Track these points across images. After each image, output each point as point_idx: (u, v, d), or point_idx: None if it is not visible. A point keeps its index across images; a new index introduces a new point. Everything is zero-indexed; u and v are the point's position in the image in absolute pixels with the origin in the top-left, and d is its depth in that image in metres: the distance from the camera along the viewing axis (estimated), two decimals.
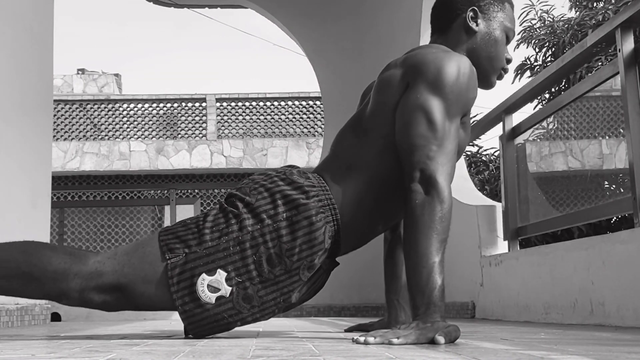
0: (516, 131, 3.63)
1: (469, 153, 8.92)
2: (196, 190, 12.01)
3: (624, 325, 2.24)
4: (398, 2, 4.82)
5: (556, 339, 1.63)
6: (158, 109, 12.04)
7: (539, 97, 7.87)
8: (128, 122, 11.93)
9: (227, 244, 1.62)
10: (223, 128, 11.95)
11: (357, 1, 5.18)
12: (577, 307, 2.56)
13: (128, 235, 11.94)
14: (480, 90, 1.76)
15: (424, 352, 1.20)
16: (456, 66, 1.63)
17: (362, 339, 1.41)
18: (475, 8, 1.82)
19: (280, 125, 12.07)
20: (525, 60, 8.70)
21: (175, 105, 12.07)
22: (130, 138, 11.78)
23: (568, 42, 8.01)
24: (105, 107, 12.01)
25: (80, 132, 11.83)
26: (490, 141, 30.55)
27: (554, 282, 2.78)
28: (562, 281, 2.71)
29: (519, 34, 8.68)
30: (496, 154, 8.49)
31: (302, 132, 12.03)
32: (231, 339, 1.62)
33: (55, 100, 11.32)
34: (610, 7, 7.95)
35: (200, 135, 11.84)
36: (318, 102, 12.00)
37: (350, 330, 2.13)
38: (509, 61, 1.87)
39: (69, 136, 11.75)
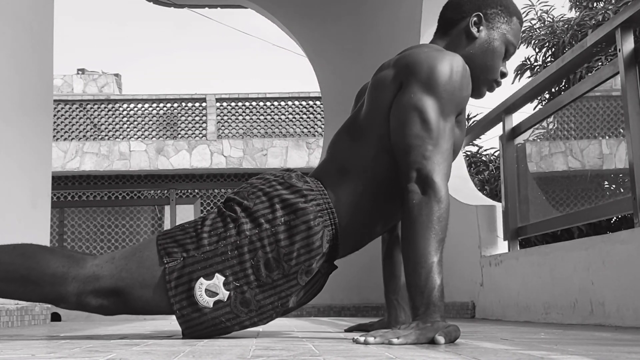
0: (516, 131, 3.63)
1: (468, 153, 8.92)
2: (196, 190, 12.01)
3: (624, 325, 2.24)
4: (398, 2, 4.82)
5: (556, 339, 1.63)
6: (158, 109, 12.05)
7: (539, 97, 7.87)
8: (128, 122, 11.93)
9: (225, 248, 1.61)
10: (223, 128, 11.95)
11: (357, 1, 5.18)
12: (577, 307, 2.56)
13: (128, 236, 11.95)
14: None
15: (424, 352, 1.20)
16: (449, 65, 1.63)
17: (362, 339, 1.41)
18: (481, 14, 1.80)
19: (280, 125, 12.07)
20: (525, 60, 8.71)
21: (175, 105, 12.07)
22: (130, 138, 11.78)
23: (568, 42, 8.01)
24: (105, 107, 12.01)
25: (80, 132, 11.83)
26: (490, 141, 30.56)
27: (554, 282, 2.78)
28: (562, 281, 2.71)
29: None
30: (496, 154, 8.50)
31: (302, 132, 12.03)
32: (231, 339, 1.61)
33: (55, 100, 11.32)
34: (610, 7, 7.95)
35: (200, 135, 11.84)
36: (318, 102, 12.00)
37: (350, 330, 2.13)
38: (503, 75, 1.85)
39: (69, 136, 11.75)
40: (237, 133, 11.93)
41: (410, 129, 1.59)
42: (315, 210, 1.64)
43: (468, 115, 8.39)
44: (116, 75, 14.40)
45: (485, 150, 9.08)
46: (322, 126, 10.07)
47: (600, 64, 7.18)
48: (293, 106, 12.22)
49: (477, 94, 1.84)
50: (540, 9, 8.78)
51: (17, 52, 3.26)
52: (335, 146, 1.79)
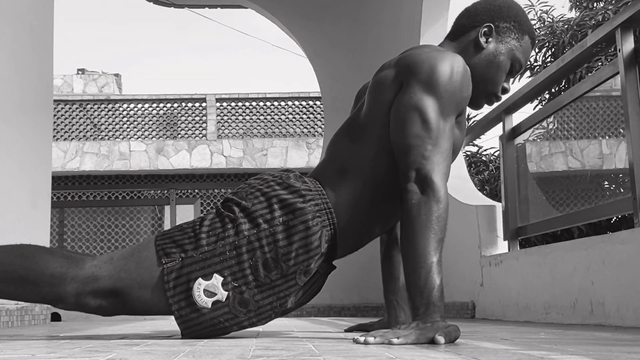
0: (516, 131, 3.63)
1: (468, 153, 8.92)
2: (196, 190, 12.01)
3: (624, 325, 2.24)
4: (398, 2, 4.82)
5: (556, 339, 1.63)
6: (158, 109, 12.05)
7: (539, 97, 7.87)
8: (128, 122, 11.93)
9: (224, 248, 1.61)
10: (223, 128, 11.95)
11: (358, 1, 5.19)
12: (577, 307, 2.56)
13: (128, 236, 11.95)
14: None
15: (424, 352, 1.20)
16: (449, 65, 1.62)
17: (362, 339, 1.41)
18: (492, 26, 1.78)
19: (280, 125, 12.07)
20: None
21: (175, 105, 12.07)
22: (130, 138, 11.78)
23: (568, 43, 8.01)
24: (105, 107, 12.01)
25: (80, 132, 11.83)
26: (490, 141, 30.55)
27: (554, 282, 2.78)
28: (562, 281, 2.71)
29: None
30: (496, 154, 8.50)
31: (302, 132, 12.03)
32: (231, 339, 1.61)
33: (55, 100, 11.32)
34: (610, 7, 7.95)
35: (200, 135, 11.84)
36: (318, 102, 12.00)
37: (350, 330, 2.13)
38: (504, 90, 1.83)
39: (69, 136, 11.75)
40: (237, 133, 11.93)
41: (410, 129, 1.59)
42: (314, 210, 1.64)
43: (468, 115, 8.39)
44: (116, 75, 14.40)
45: (485, 150, 9.09)
46: (322, 126, 10.07)
47: (600, 64, 7.18)
48: (293, 106, 12.23)
49: (475, 105, 1.83)
50: (540, 9, 8.78)
51: (17, 52, 3.26)
52: (335, 146, 1.79)
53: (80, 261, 1.65)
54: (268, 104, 12.18)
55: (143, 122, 11.94)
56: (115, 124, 11.89)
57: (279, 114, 12.15)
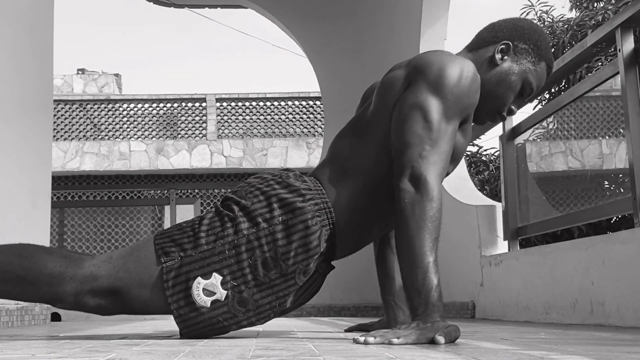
0: (516, 131, 3.63)
1: (468, 153, 8.92)
2: (196, 190, 12.01)
3: (624, 325, 2.24)
4: (398, 2, 4.82)
5: (556, 339, 1.63)
6: (158, 109, 12.05)
7: (539, 97, 7.87)
8: (128, 122, 11.93)
9: (223, 247, 1.61)
10: (223, 128, 11.95)
11: (357, 1, 5.19)
12: (577, 307, 2.56)
13: (128, 235, 11.95)
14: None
15: (424, 352, 1.20)
16: (459, 68, 1.62)
17: (362, 339, 1.41)
18: (510, 44, 1.76)
19: (280, 125, 12.07)
20: None
21: (175, 105, 12.07)
22: (130, 138, 11.78)
23: (568, 43, 8.01)
24: (105, 107, 12.01)
25: (80, 132, 11.83)
26: (490, 141, 30.56)
27: (554, 282, 2.78)
28: (562, 281, 2.71)
29: None
30: (496, 154, 8.50)
31: (302, 132, 12.03)
32: (231, 339, 1.61)
33: (55, 100, 11.32)
34: (610, 7, 7.95)
35: (200, 135, 11.84)
36: (318, 102, 12.00)
37: (350, 330, 2.13)
38: (510, 111, 1.81)
39: (69, 136, 11.75)
40: (237, 133, 11.93)
41: (410, 127, 1.59)
42: (313, 209, 1.64)
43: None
44: (116, 75, 14.40)
45: (485, 150, 9.08)
46: (322, 126, 10.07)
47: (600, 64, 7.17)
48: (293, 106, 12.23)
49: (479, 120, 1.82)
50: (540, 9, 8.78)
51: (17, 52, 3.26)
52: (337, 145, 1.79)
53: (78, 260, 1.65)
54: (268, 104, 12.18)
55: (143, 122, 11.94)
56: (115, 124, 11.89)
57: (279, 114, 12.15)
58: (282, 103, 12.22)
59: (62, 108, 11.88)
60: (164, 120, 12.01)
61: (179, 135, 11.88)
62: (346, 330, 2.14)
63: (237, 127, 11.98)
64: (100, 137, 11.82)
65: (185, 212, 11.85)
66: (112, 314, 1.71)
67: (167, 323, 3.00)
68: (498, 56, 1.76)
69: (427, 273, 1.46)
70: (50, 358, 1.14)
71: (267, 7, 5.53)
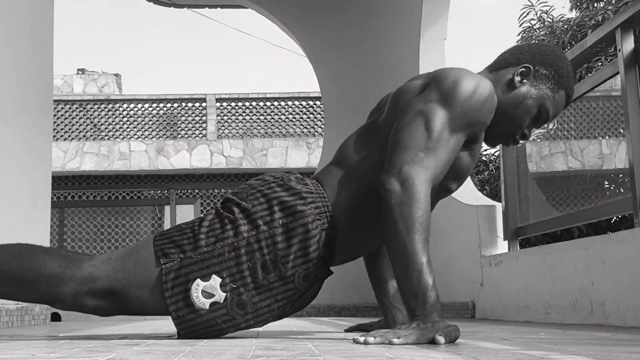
0: None
1: None
2: (196, 190, 12.01)
3: (624, 325, 2.24)
4: (398, 3, 4.82)
5: (556, 339, 1.63)
6: (158, 109, 12.05)
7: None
8: (128, 122, 11.93)
9: (223, 249, 1.61)
10: (223, 128, 11.95)
11: (357, 1, 5.18)
12: (577, 307, 2.56)
13: (128, 236, 11.95)
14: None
15: (424, 352, 1.20)
16: (474, 84, 1.61)
17: (362, 339, 1.41)
18: (531, 68, 1.74)
19: (280, 125, 12.07)
20: None
21: (175, 105, 12.07)
22: (130, 138, 11.78)
23: (568, 43, 8.01)
24: (105, 107, 12.01)
25: (80, 132, 11.83)
26: None
27: (554, 282, 2.78)
28: (562, 281, 2.71)
29: (518, 34, 8.68)
30: (496, 154, 8.49)
31: (302, 132, 12.03)
32: (231, 339, 1.61)
33: (55, 100, 11.32)
34: (610, 7, 7.94)
35: (200, 135, 11.84)
36: (318, 102, 12.00)
37: (350, 330, 2.13)
38: (524, 136, 1.79)
39: (69, 136, 11.75)
40: (237, 133, 11.93)
41: (410, 130, 1.58)
42: (314, 213, 1.63)
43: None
44: (116, 75, 14.40)
45: (486, 150, 9.08)
46: (322, 126, 10.07)
47: (600, 64, 7.18)
48: (293, 106, 12.23)
49: (492, 141, 1.81)
50: (540, 9, 8.77)
51: (17, 52, 3.26)
52: (344, 149, 1.78)
53: (77, 261, 1.65)
54: (268, 104, 12.18)
55: (143, 122, 11.94)
56: (115, 124, 11.89)
57: (279, 114, 12.15)
58: (282, 103, 12.22)
59: (62, 108, 11.88)
60: (164, 120, 12.01)
61: (179, 135, 11.88)
62: (346, 330, 2.14)
63: (237, 127, 11.98)
64: (100, 137, 11.82)
65: (185, 212, 11.85)
66: (111, 315, 1.71)
67: (167, 323, 3.00)
68: (517, 79, 1.74)
69: (421, 274, 1.45)
70: (50, 358, 1.14)
71: (267, 7, 5.53)
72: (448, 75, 1.65)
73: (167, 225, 11.93)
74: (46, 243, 3.48)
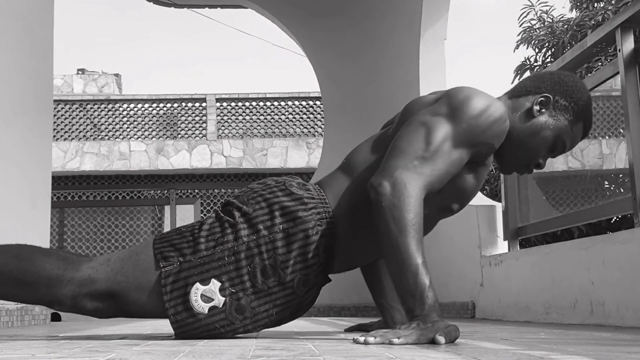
0: None
1: None
2: (196, 190, 12.01)
3: (624, 325, 2.24)
4: (398, 3, 4.82)
5: (556, 339, 1.63)
6: (158, 109, 12.05)
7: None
8: (128, 122, 11.93)
9: (222, 253, 1.61)
10: (223, 128, 11.95)
11: (357, 2, 5.19)
12: (577, 307, 2.56)
13: (128, 236, 11.95)
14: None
15: (424, 352, 1.20)
16: (485, 104, 1.61)
17: (362, 339, 1.41)
18: (550, 97, 1.72)
19: (280, 125, 12.07)
20: (525, 61, 8.70)
21: (175, 105, 12.07)
22: (130, 138, 11.79)
23: (567, 43, 8.01)
24: (105, 107, 12.01)
25: (80, 132, 11.83)
26: None
27: (554, 282, 2.78)
28: (562, 281, 2.71)
29: (518, 34, 8.68)
30: None
31: (302, 132, 12.03)
32: (231, 339, 1.61)
33: (55, 100, 11.32)
34: (610, 7, 7.94)
35: (200, 135, 11.84)
36: (318, 102, 12.00)
37: (350, 330, 2.13)
38: (538, 166, 1.76)
39: (69, 136, 11.75)
40: (237, 133, 11.93)
41: (410, 137, 1.58)
42: (315, 219, 1.63)
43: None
44: (116, 75, 14.40)
45: None
46: (322, 126, 10.06)
47: (600, 64, 7.17)
48: (293, 106, 12.23)
49: (506, 169, 1.80)
50: (540, 9, 8.77)
51: (17, 52, 3.26)
52: (351, 157, 1.78)
53: (76, 263, 1.64)
54: (268, 104, 12.19)
55: (143, 122, 11.94)
56: (115, 124, 11.89)
57: (279, 114, 12.15)
58: (282, 103, 12.22)
59: (62, 108, 11.88)
60: (164, 120, 12.01)
61: (179, 135, 11.89)
62: (346, 330, 2.14)
63: (237, 127, 11.98)
64: (100, 137, 11.82)
65: (185, 212, 11.85)
66: (109, 317, 1.71)
67: (167, 323, 3.00)
68: (536, 108, 1.72)
69: (417, 275, 1.45)
70: (50, 358, 1.14)
71: (267, 7, 5.53)
72: (461, 91, 1.64)
73: (167, 225, 11.94)
74: (46, 243, 3.48)
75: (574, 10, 8.94)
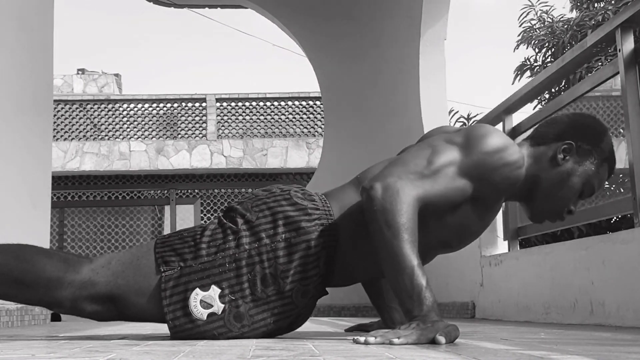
0: (516, 131, 3.63)
1: None
2: (196, 190, 12.01)
3: (624, 325, 2.24)
4: (398, 3, 4.82)
5: (556, 339, 1.63)
6: (158, 109, 12.05)
7: (539, 97, 7.87)
8: (128, 122, 11.93)
9: (223, 260, 1.60)
10: (223, 128, 11.95)
11: (357, 1, 5.19)
12: (577, 307, 2.56)
13: (128, 236, 11.95)
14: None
15: (424, 352, 1.20)
16: (502, 145, 1.61)
17: (362, 339, 1.41)
18: (574, 145, 1.71)
19: (280, 125, 12.07)
20: (525, 61, 8.70)
21: (175, 105, 12.08)
22: (130, 138, 11.79)
23: (567, 43, 8.01)
24: (105, 107, 12.01)
25: (80, 132, 11.83)
26: None
27: (554, 282, 2.78)
28: (562, 281, 2.71)
29: (518, 35, 8.68)
30: None
31: (302, 132, 12.03)
32: (231, 339, 1.61)
33: (55, 100, 11.32)
34: (610, 7, 7.94)
35: (200, 135, 11.84)
36: (318, 102, 12.00)
37: (350, 330, 2.13)
38: (569, 212, 1.75)
39: (69, 136, 11.75)
40: (237, 133, 11.93)
41: (415, 154, 1.60)
42: (318, 230, 1.63)
43: (468, 115, 8.38)
44: (116, 75, 14.40)
45: None
46: (322, 126, 10.06)
47: (600, 64, 7.17)
48: (293, 106, 12.23)
49: (537, 218, 1.78)
50: (540, 9, 8.77)
51: (17, 52, 3.26)
52: (364, 173, 1.77)
53: (77, 265, 1.64)
54: (268, 104, 12.19)
55: (143, 122, 11.94)
56: (115, 124, 11.90)
57: (279, 114, 12.16)
58: (282, 103, 12.22)
59: (62, 108, 11.88)
60: (164, 120, 12.01)
61: (179, 135, 11.89)
62: (346, 330, 2.13)
63: (237, 127, 11.98)
64: (100, 137, 11.82)
65: (185, 212, 11.86)
66: (109, 320, 1.70)
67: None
68: (560, 156, 1.71)
69: (413, 277, 1.45)
70: (50, 358, 1.14)
71: (267, 7, 5.53)
72: (482, 128, 1.65)
73: (167, 225, 11.94)
74: (46, 243, 3.48)
75: (574, 10, 8.94)
